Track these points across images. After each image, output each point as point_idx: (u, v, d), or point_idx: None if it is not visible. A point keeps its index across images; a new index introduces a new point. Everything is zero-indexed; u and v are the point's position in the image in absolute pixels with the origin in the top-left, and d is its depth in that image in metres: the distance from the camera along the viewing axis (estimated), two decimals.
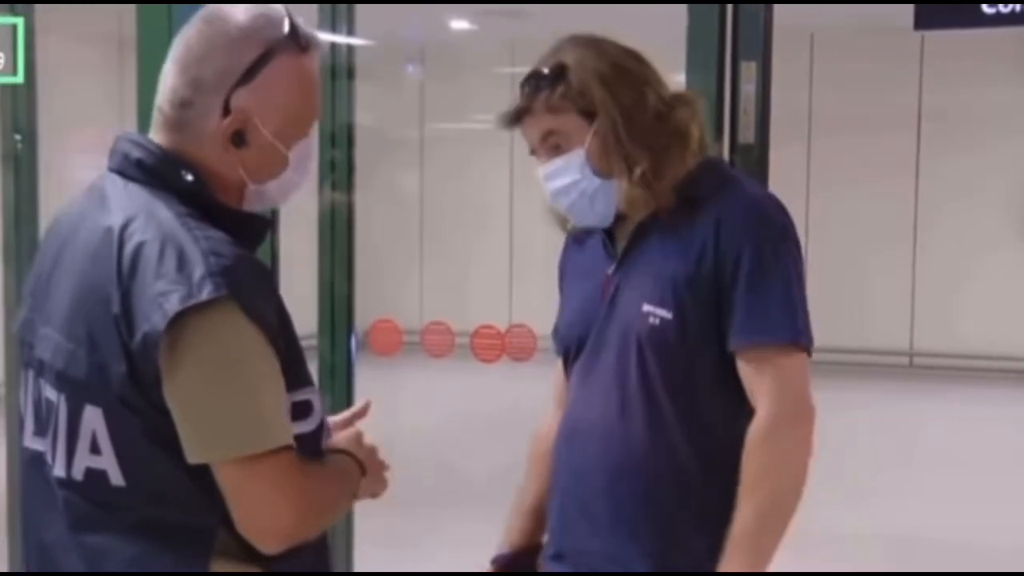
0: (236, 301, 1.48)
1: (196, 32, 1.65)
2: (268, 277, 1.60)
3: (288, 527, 1.54)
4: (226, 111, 1.61)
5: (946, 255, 9.16)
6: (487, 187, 10.21)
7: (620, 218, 2.17)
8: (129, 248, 1.52)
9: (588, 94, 2.10)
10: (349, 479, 1.70)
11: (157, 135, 1.66)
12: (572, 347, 2.22)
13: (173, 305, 1.46)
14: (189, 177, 1.61)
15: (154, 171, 1.62)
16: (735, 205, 2.09)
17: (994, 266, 8.88)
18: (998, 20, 5.00)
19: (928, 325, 9.20)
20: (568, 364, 2.24)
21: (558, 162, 2.13)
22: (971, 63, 8.24)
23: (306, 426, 1.61)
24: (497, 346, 4.35)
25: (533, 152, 2.19)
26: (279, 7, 1.67)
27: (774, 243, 2.06)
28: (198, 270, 1.48)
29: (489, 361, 4.27)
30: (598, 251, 2.23)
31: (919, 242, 9.32)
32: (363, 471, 1.73)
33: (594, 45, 2.17)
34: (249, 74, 1.62)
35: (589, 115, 2.11)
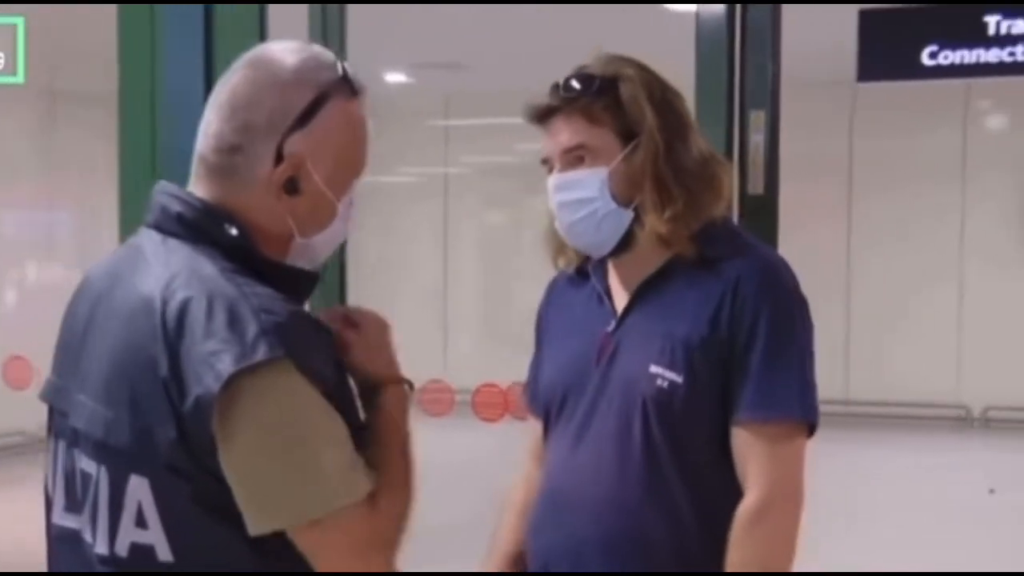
0: (291, 360, 1.41)
1: (242, 77, 1.57)
2: (322, 331, 1.52)
3: (382, 567, 1.49)
4: (278, 158, 1.54)
5: (878, 299, 9.27)
6: (419, 240, 10.22)
7: (618, 265, 2.08)
8: (174, 306, 1.44)
9: (635, 114, 1.98)
10: (404, 455, 1.58)
11: (198, 186, 1.58)
12: (554, 407, 2.09)
13: (227, 366, 1.38)
14: (233, 231, 1.53)
15: (196, 225, 1.54)
16: (753, 265, 1.99)
17: (925, 309, 9.01)
18: (937, 72, 5.19)
19: (862, 372, 9.28)
20: (548, 425, 2.11)
21: (578, 173, 2.00)
22: (902, 113, 8.43)
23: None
24: (446, 400, 4.35)
25: (546, 161, 2.06)
26: (325, 50, 1.61)
27: (790, 311, 1.98)
28: (251, 328, 1.41)
29: (440, 415, 4.27)
30: (591, 306, 2.11)
31: (852, 286, 9.44)
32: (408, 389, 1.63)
33: (647, 69, 2.05)
34: (304, 118, 1.54)
35: (626, 137, 1.99)
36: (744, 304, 1.95)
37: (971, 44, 5.35)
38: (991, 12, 5.35)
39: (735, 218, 2.73)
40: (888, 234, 9.19)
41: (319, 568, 1.45)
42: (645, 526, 1.97)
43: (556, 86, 2.01)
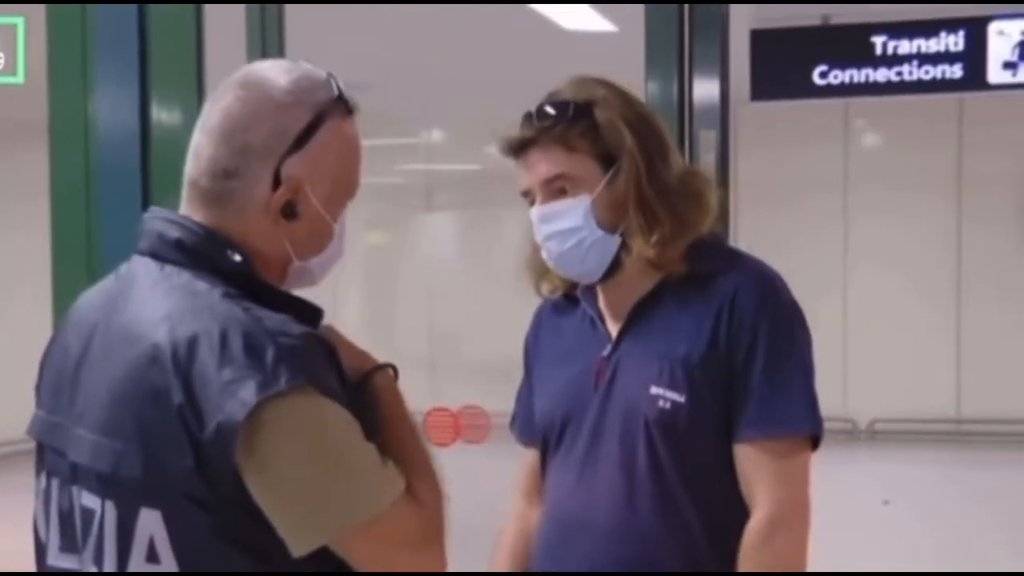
0: (312, 384, 1.38)
1: (235, 98, 1.52)
2: (334, 354, 1.48)
3: (436, 559, 1.48)
4: (276, 181, 1.49)
5: None
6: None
7: (608, 289, 2.02)
8: (183, 335, 1.40)
9: (613, 137, 1.93)
10: (417, 439, 1.57)
11: (191, 211, 1.52)
12: (553, 435, 2.05)
13: (250, 395, 1.34)
14: (237, 257, 1.48)
15: (196, 252, 1.49)
16: (749, 279, 1.96)
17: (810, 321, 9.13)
18: (827, 92, 5.31)
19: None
20: (546, 454, 2.05)
21: (562, 204, 1.95)
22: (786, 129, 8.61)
23: None
24: None
25: (526, 193, 2.01)
26: (316, 68, 1.57)
27: (789, 324, 1.95)
28: (269, 353, 1.37)
29: None
30: (584, 331, 2.07)
31: None
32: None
33: (619, 89, 2.00)
34: (301, 140, 1.51)
35: (606, 161, 1.95)
36: (742, 319, 1.92)
37: (859, 64, 5.51)
38: (878, 33, 5.52)
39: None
40: (772, 246, 9.33)
41: (380, 568, 1.43)
42: (659, 551, 1.95)
43: (529, 115, 1.95)
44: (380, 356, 1.65)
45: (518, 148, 1.94)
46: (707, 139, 2.88)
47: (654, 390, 1.93)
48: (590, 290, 2.05)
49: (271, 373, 1.35)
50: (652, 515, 1.93)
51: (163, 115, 3.09)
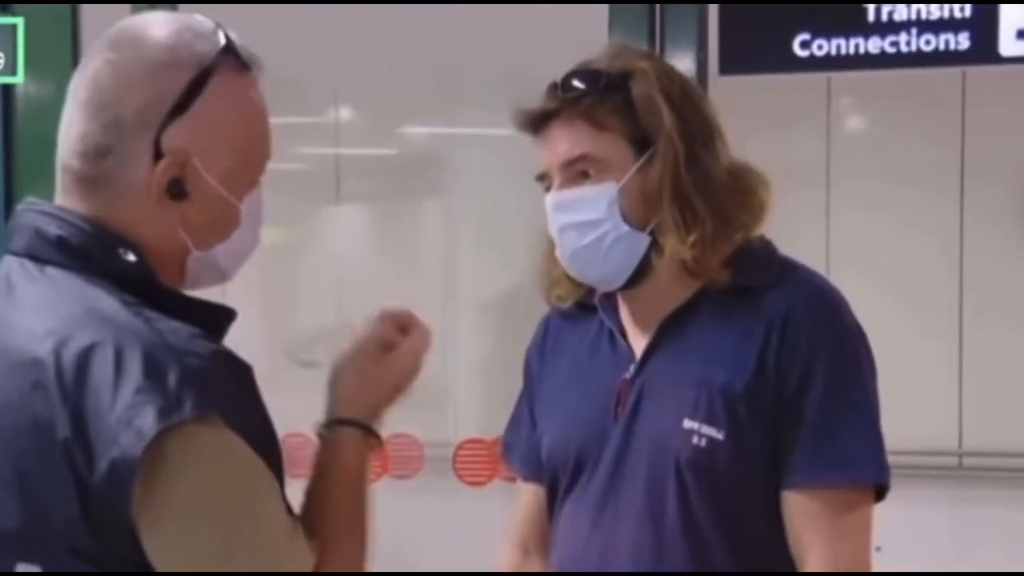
0: (221, 415, 1.34)
1: (103, 62, 1.48)
2: (249, 377, 1.44)
3: None
4: (157, 155, 1.46)
5: None
6: None
7: (632, 298, 1.97)
8: (71, 353, 1.34)
9: (650, 116, 1.89)
10: (358, 513, 1.55)
11: (66, 201, 1.49)
12: (566, 472, 1.99)
13: (149, 424, 1.29)
14: (131, 257, 1.45)
15: (82, 251, 1.45)
16: (806, 295, 1.92)
17: None
18: (811, 64, 5.26)
19: None
20: (554, 494, 2.01)
21: (582, 190, 1.89)
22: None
23: None
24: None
25: (543, 176, 1.97)
26: (204, 18, 1.53)
27: (853, 351, 1.91)
28: (172, 375, 1.32)
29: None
30: (601, 347, 2.01)
31: None
32: (375, 443, 1.63)
33: (662, 62, 1.98)
34: (182, 104, 1.46)
35: (641, 145, 1.90)
36: (797, 342, 1.87)
37: (848, 32, 5.48)
38: None
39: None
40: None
41: None
42: None
43: (554, 86, 1.93)
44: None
45: (537, 122, 1.90)
46: None
47: (688, 424, 1.87)
48: (609, 298, 2.00)
49: (174, 398, 1.30)
50: (684, 572, 1.89)
51: (31, 86, 3.10)
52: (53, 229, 1.47)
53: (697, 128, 1.93)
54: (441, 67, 2.73)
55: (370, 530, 1.54)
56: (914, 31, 5.32)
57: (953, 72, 7.10)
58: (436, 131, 6.11)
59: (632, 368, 1.96)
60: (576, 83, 1.92)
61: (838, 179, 8.93)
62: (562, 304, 2.10)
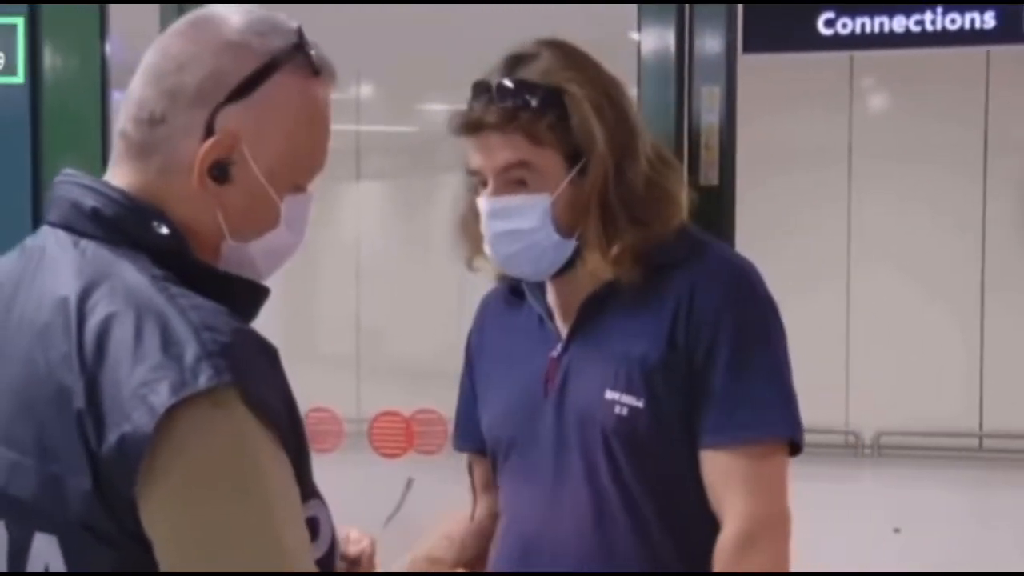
0: (237, 388, 1.30)
1: (178, 36, 1.48)
2: (274, 357, 1.40)
3: None
4: (208, 133, 1.44)
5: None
6: None
7: (561, 282, 2.08)
8: (93, 324, 1.33)
9: (584, 135, 1.98)
10: None
11: (117, 168, 1.48)
12: (502, 446, 2.11)
13: (162, 398, 1.26)
14: (164, 230, 1.43)
15: (116, 224, 1.44)
16: (711, 269, 2.01)
17: (811, 317, 9.10)
18: (835, 43, 5.23)
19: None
20: (496, 465, 2.13)
21: (519, 199, 1.99)
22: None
23: (315, 551, 1.42)
24: None
25: (475, 173, 2.04)
26: (286, 17, 1.52)
27: (761, 316, 2.01)
28: (190, 350, 1.29)
29: None
30: (532, 328, 2.12)
31: None
32: None
33: (583, 64, 2.03)
34: (244, 88, 1.45)
35: (571, 158, 1.99)
36: (703, 312, 1.96)
37: (872, 11, 5.44)
38: None
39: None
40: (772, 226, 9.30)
41: None
42: (628, 569, 1.99)
43: (487, 90, 1.99)
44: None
45: (474, 128, 1.98)
46: (710, 96, 2.84)
47: (609, 395, 1.99)
48: (538, 284, 2.09)
49: (190, 371, 1.27)
50: (624, 535, 2.00)
51: (57, 60, 3.09)
52: (89, 201, 1.47)
53: (623, 141, 2.01)
54: (462, 44, 2.71)
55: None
56: (939, 10, 5.27)
57: (978, 51, 7.06)
58: (457, 108, 6.08)
59: (559, 347, 2.07)
60: (512, 98, 1.98)
61: (860, 159, 8.91)
62: (498, 286, 2.21)
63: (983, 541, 6.32)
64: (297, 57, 1.50)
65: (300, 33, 1.52)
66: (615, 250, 1.98)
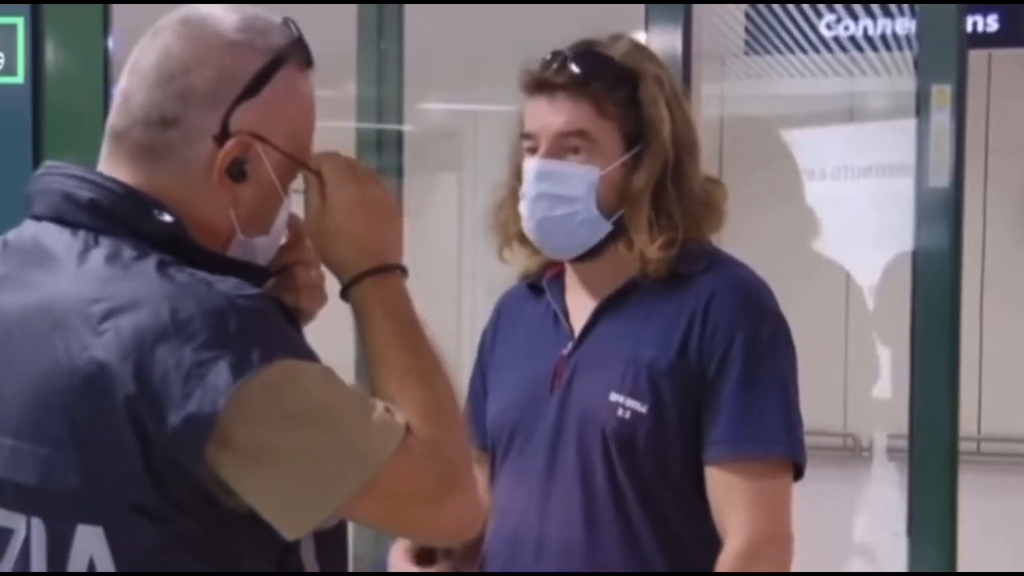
0: (287, 357, 1.40)
1: (175, 36, 1.49)
2: (286, 308, 1.50)
3: (453, 509, 1.47)
4: (223, 133, 1.47)
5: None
6: None
7: (577, 279, 2.10)
8: (123, 312, 1.36)
9: (652, 120, 2.00)
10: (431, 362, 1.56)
11: (113, 168, 1.50)
12: (502, 440, 2.13)
13: (224, 379, 1.33)
14: (166, 218, 1.45)
15: (115, 214, 1.45)
16: (728, 282, 2.03)
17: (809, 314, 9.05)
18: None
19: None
20: (495, 461, 2.16)
21: (568, 166, 2.00)
22: None
23: None
24: None
25: (528, 136, 2.05)
26: (269, 13, 1.56)
27: (771, 334, 2.02)
28: (232, 324, 1.36)
29: None
30: (546, 326, 2.13)
31: None
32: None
33: (658, 61, 2.07)
34: (254, 87, 1.48)
35: (630, 140, 2.01)
36: (717, 326, 1.99)
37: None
38: None
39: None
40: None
41: (401, 529, 1.54)
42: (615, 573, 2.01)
43: (563, 57, 2.01)
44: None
45: (542, 87, 1.95)
46: (940, 94, 2.82)
47: (613, 397, 2.00)
48: (557, 281, 2.11)
49: (241, 350, 1.33)
50: (610, 538, 2.02)
51: (60, 58, 3.11)
52: (85, 192, 1.47)
53: (689, 139, 2.05)
54: (462, 44, 2.72)
55: (440, 367, 1.55)
56: None
57: (979, 54, 7.08)
58: (453, 107, 6.11)
59: (570, 345, 2.10)
60: (588, 66, 2.00)
61: None
62: (518, 284, 2.24)
63: (982, 546, 6.33)
64: (296, 52, 1.53)
65: (295, 27, 1.55)
66: (664, 238, 2.01)
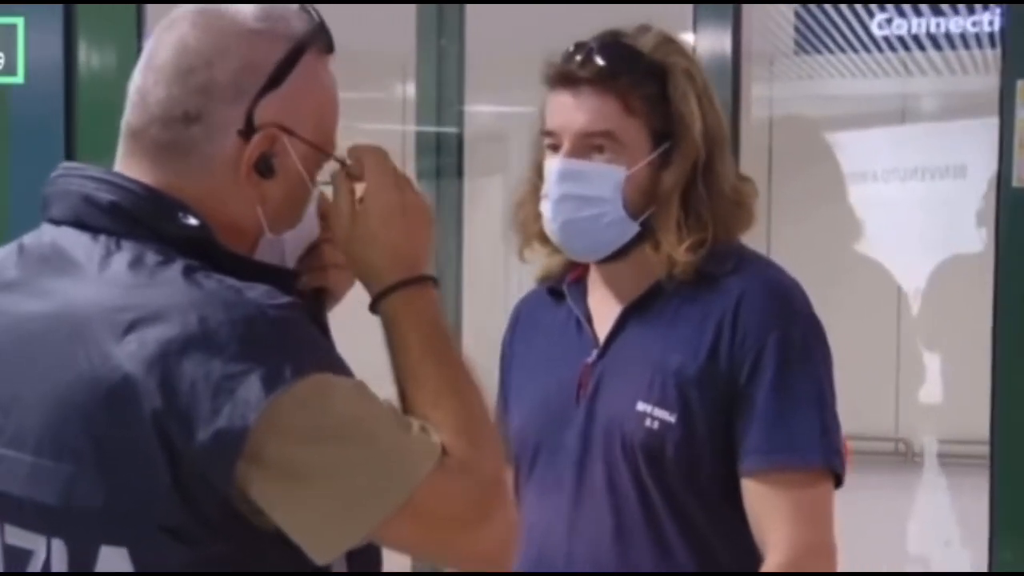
0: (319, 371, 1.35)
1: (191, 27, 1.44)
2: (324, 325, 1.48)
3: (489, 532, 1.43)
4: (248, 127, 1.42)
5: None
6: None
7: (601, 283, 2.04)
8: (149, 322, 1.31)
9: (682, 116, 1.94)
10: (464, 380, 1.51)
11: (132, 168, 1.45)
12: (527, 453, 2.06)
13: (256, 393, 1.28)
14: (192, 221, 1.40)
15: (138, 216, 1.40)
16: (757, 283, 1.97)
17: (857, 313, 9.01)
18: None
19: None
20: (519, 474, 2.08)
21: (594, 166, 1.92)
22: None
23: None
24: None
25: (550, 134, 1.98)
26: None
27: (804, 335, 1.96)
28: (263, 335, 1.31)
29: None
30: (568, 333, 2.07)
31: None
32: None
33: (689, 54, 2.00)
34: (277, 76, 1.43)
35: (658, 138, 1.95)
36: (748, 330, 1.92)
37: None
38: None
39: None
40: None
41: (427, 555, 1.48)
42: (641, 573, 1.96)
43: (588, 49, 1.95)
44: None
45: (565, 80, 1.93)
46: None
47: (641, 406, 1.94)
48: (579, 286, 2.06)
49: (273, 363, 1.28)
50: (642, 551, 1.96)
51: (93, 55, 3.10)
52: (105, 195, 1.43)
53: (720, 136, 1.98)
54: (507, 46, 2.69)
55: (473, 383, 1.50)
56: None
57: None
58: (500, 109, 6.08)
59: (595, 353, 2.03)
60: (615, 59, 1.94)
61: None
62: (537, 289, 2.17)
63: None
64: (318, 38, 1.48)
65: (315, 12, 1.50)
66: (693, 239, 1.95)
